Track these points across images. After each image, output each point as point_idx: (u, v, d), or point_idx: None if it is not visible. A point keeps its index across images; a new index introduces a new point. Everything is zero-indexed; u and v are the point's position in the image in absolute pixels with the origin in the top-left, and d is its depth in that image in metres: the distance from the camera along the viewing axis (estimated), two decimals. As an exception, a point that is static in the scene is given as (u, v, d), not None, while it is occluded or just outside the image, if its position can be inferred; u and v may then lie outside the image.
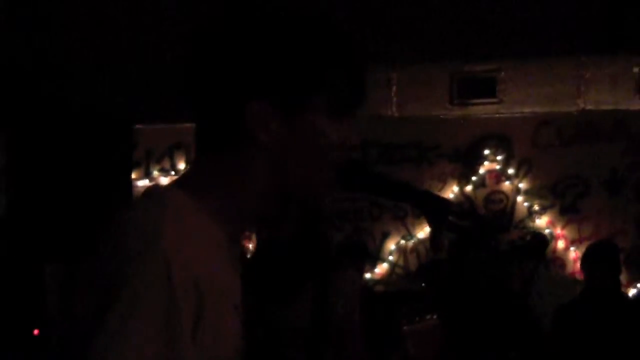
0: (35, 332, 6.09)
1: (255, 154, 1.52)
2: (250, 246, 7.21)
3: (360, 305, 4.76)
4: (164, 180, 7.58)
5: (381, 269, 7.31)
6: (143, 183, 7.77)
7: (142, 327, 1.35)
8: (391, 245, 7.28)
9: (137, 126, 7.17)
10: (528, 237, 6.92)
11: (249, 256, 6.84)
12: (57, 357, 1.50)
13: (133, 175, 7.49)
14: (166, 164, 8.02)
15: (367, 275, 7.19)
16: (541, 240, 6.80)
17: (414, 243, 7.35)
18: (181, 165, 7.95)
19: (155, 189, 1.42)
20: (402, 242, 7.46)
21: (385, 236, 7.21)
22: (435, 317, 5.80)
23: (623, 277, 5.58)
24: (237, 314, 1.59)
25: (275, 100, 1.47)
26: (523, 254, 6.37)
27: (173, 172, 7.94)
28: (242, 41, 1.52)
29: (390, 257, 7.26)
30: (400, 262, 7.41)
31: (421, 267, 7.02)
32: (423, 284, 6.30)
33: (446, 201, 1.67)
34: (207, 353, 1.45)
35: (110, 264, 1.39)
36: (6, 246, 6.57)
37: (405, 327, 5.27)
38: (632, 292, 6.70)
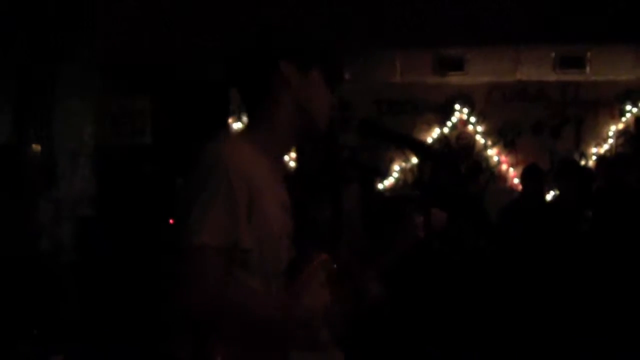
0: (171, 221, 6.52)
1: (285, 100, 1.89)
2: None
3: (363, 207, 5.47)
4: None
5: (389, 181, 8.15)
6: (236, 125, 8.08)
7: (215, 208, 1.75)
8: (396, 166, 8.11)
9: (232, 88, 7.93)
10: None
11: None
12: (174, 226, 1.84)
13: (229, 120, 8.09)
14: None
15: (380, 186, 7.91)
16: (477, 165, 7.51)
17: (410, 165, 7.93)
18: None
19: (220, 134, 1.91)
20: (403, 164, 8.06)
21: (391, 160, 8.07)
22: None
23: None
24: (285, 209, 1.92)
25: (295, 62, 1.88)
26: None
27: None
28: (274, 31, 1.94)
29: (395, 174, 8.14)
30: (401, 177, 8.13)
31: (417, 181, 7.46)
32: (417, 191, 6.78)
33: (428, 145, 2.69)
34: (259, 230, 1.81)
35: (197, 174, 1.80)
36: (151, 165, 7.46)
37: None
38: (548, 196, 7.27)
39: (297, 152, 4.16)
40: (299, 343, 1.87)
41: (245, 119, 7.90)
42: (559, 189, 6.49)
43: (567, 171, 6.18)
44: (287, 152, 2.03)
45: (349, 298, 2.08)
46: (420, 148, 2.11)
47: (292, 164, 6.50)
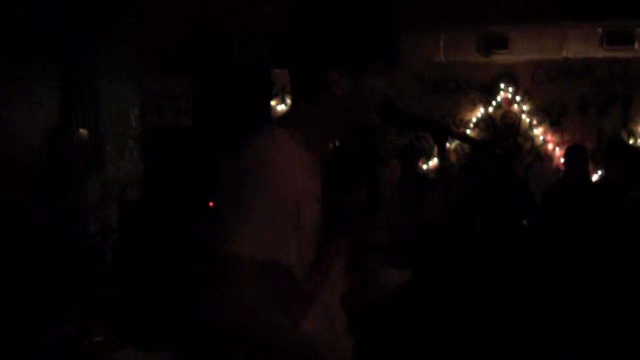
0: (211, 204, 6.78)
1: (331, 103, 1.82)
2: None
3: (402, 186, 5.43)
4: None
5: (433, 162, 8.06)
6: (280, 107, 8.21)
7: (261, 220, 1.67)
8: None
9: (275, 70, 7.84)
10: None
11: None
12: (211, 226, 1.74)
13: (272, 102, 8.17)
14: (296, 94, 8.43)
15: (424, 167, 7.94)
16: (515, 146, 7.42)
17: (455, 145, 7.59)
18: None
19: (265, 128, 1.84)
20: (447, 144, 8.05)
21: None
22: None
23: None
24: (318, 203, 1.85)
25: (346, 68, 1.79)
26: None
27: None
28: (325, 32, 1.80)
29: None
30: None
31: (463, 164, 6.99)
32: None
33: (447, 127, 2.22)
34: (302, 236, 1.76)
35: (241, 177, 1.72)
36: (194, 148, 7.33)
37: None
38: (594, 177, 7.06)
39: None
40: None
41: (289, 101, 8.27)
42: (605, 169, 6.34)
43: (614, 150, 5.94)
44: (328, 144, 1.96)
45: (358, 288, 2.04)
46: (440, 132, 2.04)
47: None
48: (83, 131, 6.91)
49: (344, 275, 1.93)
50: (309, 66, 1.82)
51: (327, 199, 1.88)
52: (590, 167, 6.67)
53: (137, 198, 7.18)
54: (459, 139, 2.31)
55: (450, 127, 2.27)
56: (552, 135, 8.02)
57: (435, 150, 7.25)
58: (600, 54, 7.75)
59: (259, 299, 1.66)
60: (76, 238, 6.37)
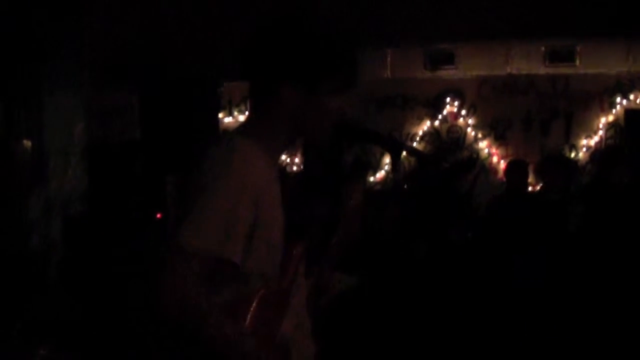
0: (158, 215, 6.64)
1: (283, 115, 1.88)
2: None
3: (363, 203, 6.12)
4: (241, 117, 8.07)
5: (380, 175, 8.16)
6: (227, 120, 8.28)
7: (215, 216, 1.70)
8: (386, 159, 8.03)
9: (224, 83, 7.89)
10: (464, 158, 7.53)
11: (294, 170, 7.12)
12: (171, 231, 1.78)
13: (220, 115, 8.15)
14: (242, 107, 8.29)
15: (371, 179, 7.99)
16: (472, 160, 7.40)
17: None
18: (251, 108, 8.10)
19: (228, 137, 1.90)
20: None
21: (382, 153, 8.00)
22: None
23: (531, 180, 6.76)
24: (281, 207, 1.91)
25: (298, 83, 1.84)
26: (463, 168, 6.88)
27: (246, 112, 7.35)
28: (279, 51, 1.85)
29: (386, 167, 8.09)
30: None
31: (405, 176, 6.99)
32: (405, 186, 6.42)
33: (400, 142, 2.23)
34: (263, 241, 1.80)
35: (201, 181, 1.76)
36: (141, 162, 7.34)
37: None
38: (537, 188, 7.11)
39: (302, 154, 4.11)
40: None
41: (236, 113, 8.20)
42: (543, 182, 6.57)
43: (549, 165, 6.29)
44: (285, 151, 2.03)
45: (312, 291, 2.10)
46: (395, 147, 2.11)
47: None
48: (27, 142, 6.73)
49: (303, 279, 2.00)
50: (262, 78, 1.86)
51: (289, 208, 1.91)
52: (534, 180, 6.99)
53: (81, 213, 6.99)
54: (410, 153, 2.37)
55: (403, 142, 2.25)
56: (496, 149, 8.11)
57: (384, 163, 7.96)
58: (543, 70, 7.88)
59: (191, 288, 1.66)
60: (18, 253, 6.22)
